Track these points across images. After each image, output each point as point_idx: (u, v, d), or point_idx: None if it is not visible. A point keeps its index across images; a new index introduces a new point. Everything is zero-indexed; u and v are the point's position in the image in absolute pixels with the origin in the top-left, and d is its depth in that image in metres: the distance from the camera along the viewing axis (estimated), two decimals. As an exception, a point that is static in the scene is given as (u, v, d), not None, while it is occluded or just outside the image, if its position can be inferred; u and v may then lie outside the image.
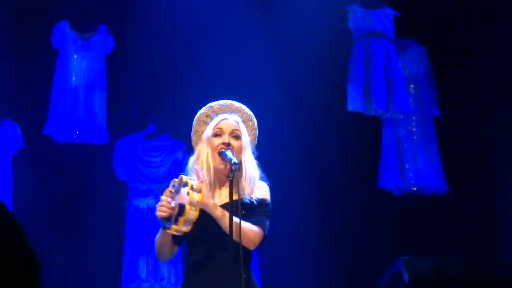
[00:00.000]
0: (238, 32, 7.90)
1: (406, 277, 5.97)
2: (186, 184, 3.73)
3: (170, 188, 3.78)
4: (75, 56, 7.78)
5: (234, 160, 3.76)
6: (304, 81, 7.98)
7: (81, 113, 7.66)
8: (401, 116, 7.70)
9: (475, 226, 7.84)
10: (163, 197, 3.74)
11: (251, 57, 7.92)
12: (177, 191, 3.79)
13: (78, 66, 7.77)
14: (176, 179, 3.78)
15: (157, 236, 3.96)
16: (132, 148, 7.87)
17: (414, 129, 7.86)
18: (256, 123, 4.20)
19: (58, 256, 7.69)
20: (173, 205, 3.72)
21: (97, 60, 7.84)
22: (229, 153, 3.84)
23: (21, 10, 7.91)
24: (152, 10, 7.93)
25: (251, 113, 4.20)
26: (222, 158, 3.88)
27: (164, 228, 3.74)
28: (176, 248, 4.01)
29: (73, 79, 7.71)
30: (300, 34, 7.88)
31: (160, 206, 3.72)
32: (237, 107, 4.17)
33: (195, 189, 3.71)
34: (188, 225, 3.69)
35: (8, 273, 1.82)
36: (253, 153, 4.10)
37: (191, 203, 3.67)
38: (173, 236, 3.87)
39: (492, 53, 7.96)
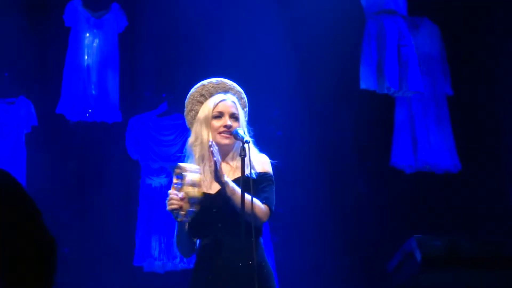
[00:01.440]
0: (251, 11, 7.89)
1: (418, 256, 5.96)
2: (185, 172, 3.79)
3: (174, 180, 3.82)
4: (88, 34, 7.79)
5: (247, 138, 3.78)
6: (316, 59, 7.96)
7: (93, 92, 7.68)
8: (413, 94, 7.67)
9: (488, 205, 7.83)
10: (170, 191, 3.78)
11: (263, 36, 7.90)
12: (182, 181, 3.83)
13: (91, 44, 7.78)
14: (176, 170, 3.83)
15: (175, 233, 4.00)
16: (144, 126, 7.88)
17: (426, 107, 7.84)
18: (246, 100, 4.23)
19: (71, 235, 7.72)
20: (180, 195, 3.75)
21: (110, 38, 7.84)
22: (240, 132, 3.86)
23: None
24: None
25: (242, 91, 4.24)
26: (235, 137, 3.90)
27: (177, 218, 3.78)
28: (195, 241, 4.04)
29: (86, 57, 7.73)
30: (311, 12, 7.85)
31: (169, 200, 3.76)
32: (229, 85, 4.21)
33: (192, 170, 3.77)
34: (194, 207, 3.74)
35: (25, 253, 1.83)
36: (249, 131, 4.12)
37: (190, 184, 3.74)
38: (189, 228, 3.91)
39: (505, 31, 7.92)
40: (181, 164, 3.84)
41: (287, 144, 7.68)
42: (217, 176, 3.75)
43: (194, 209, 3.75)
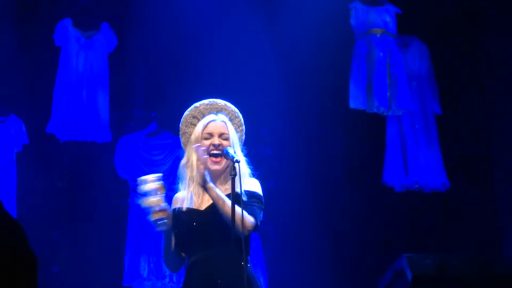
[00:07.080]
0: (240, 30, 7.92)
1: (409, 274, 5.97)
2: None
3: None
4: (78, 54, 7.79)
5: (236, 157, 3.78)
6: (306, 78, 7.99)
7: (83, 111, 7.67)
8: (402, 113, 7.70)
9: (477, 223, 7.85)
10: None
11: (252, 54, 7.93)
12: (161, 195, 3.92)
13: (81, 64, 7.78)
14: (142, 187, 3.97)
15: (162, 248, 4.03)
16: (134, 146, 7.87)
17: (416, 126, 7.86)
18: (242, 120, 4.22)
19: (60, 254, 7.71)
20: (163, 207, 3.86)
21: (100, 58, 7.85)
22: (231, 151, 3.86)
23: (25, 7, 7.93)
24: (154, 9, 7.95)
25: (236, 110, 4.22)
26: (225, 156, 3.91)
27: (157, 227, 3.89)
28: (183, 256, 4.04)
29: (76, 77, 7.73)
30: (301, 31, 7.88)
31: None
32: (222, 106, 4.20)
33: (150, 180, 3.95)
34: (160, 214, 3.85)
35: (4, 272, 1.81)
36: (242, 150, 4.12)
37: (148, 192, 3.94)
38: (178, 244, 3.94)
39: (494, 50, 7.96)
40: (140, 178, 3.94)
41: (276, 162, 7.69)
42: (203, 181, 3.79)
43: (161, 216, 3.84)
